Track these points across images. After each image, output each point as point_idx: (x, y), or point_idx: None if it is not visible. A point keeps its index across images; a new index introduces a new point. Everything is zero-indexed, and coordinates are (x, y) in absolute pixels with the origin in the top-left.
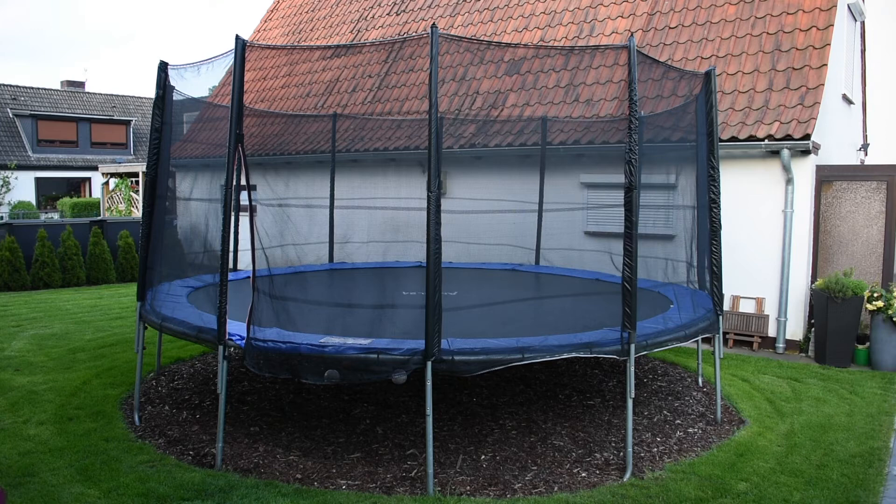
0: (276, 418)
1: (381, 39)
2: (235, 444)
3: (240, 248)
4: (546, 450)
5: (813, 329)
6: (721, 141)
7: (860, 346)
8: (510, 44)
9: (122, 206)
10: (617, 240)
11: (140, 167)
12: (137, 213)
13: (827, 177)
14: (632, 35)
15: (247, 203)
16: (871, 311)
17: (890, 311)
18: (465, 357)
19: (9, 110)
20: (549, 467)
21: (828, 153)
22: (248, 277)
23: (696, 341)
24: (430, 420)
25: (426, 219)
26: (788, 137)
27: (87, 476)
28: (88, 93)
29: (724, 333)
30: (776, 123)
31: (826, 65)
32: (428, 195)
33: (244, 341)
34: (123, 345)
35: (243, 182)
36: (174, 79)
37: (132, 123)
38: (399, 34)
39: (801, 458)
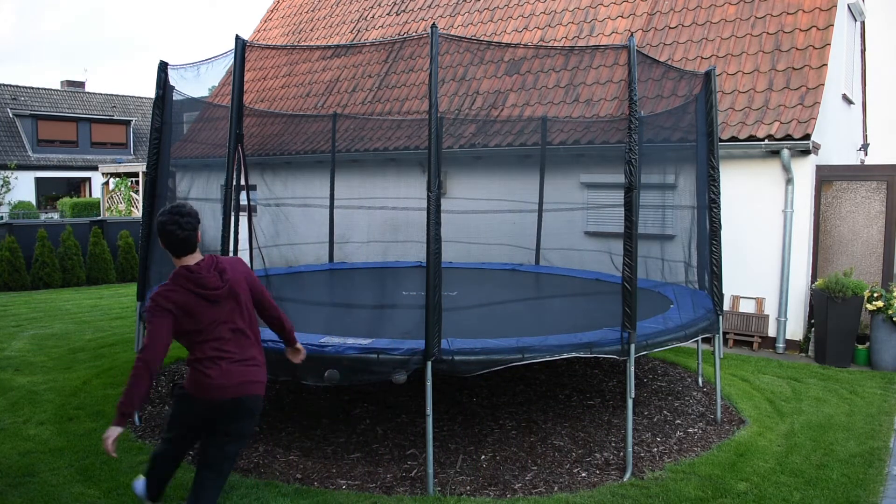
0: (276, 418)
1: (381, 39)
2: None
3: (240, 248)
4: (546, 450)
5: (813, 329)
6: (721, 141)
7: (860, 346)
8: (510, 44)
9: (122, 206)
10: (617, 240)
11: (140, 167)
12: (137, 213)
13: (827, 177)
14: (632, 35)
15: (246, 203)
16: (871, 311)
17: (890, 311)
18: (465, 357)
19: (9, 110)
20: (549, 467)
21: (828, 153)
22: None
23: (696, 341)
24: (430, 420)
25: (426, 219)
26: (788, 137)
27: (87, 476)
28: (88, 93)
29: (724, 333)
30: (776, 123)
31: (826, 65)
32: (428, 195)
33: None
34: (123, 345)
35: (243, 182)
36: (174, 79)
37: (132, 123)
38: (399, 34)
39: (801, 458)
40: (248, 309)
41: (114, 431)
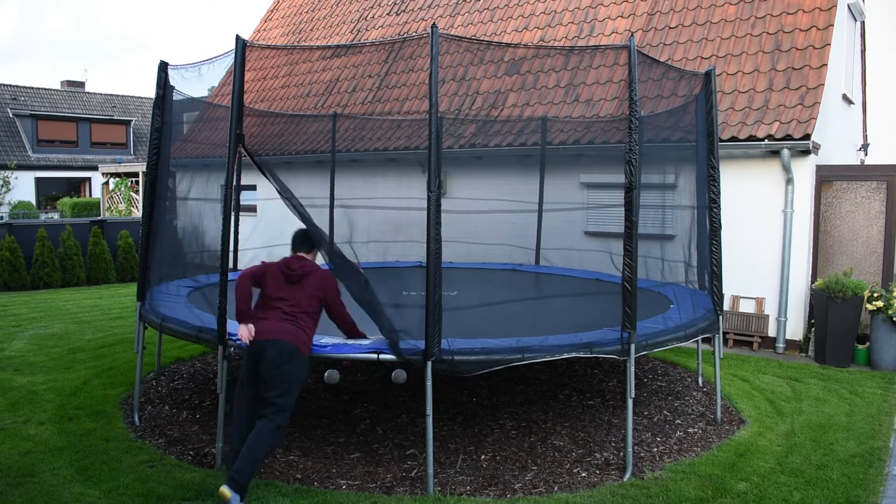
0: None
1: (381, 39)
2: None
3: (240, 248)
4: (546, 450)
5: (813, 329)
6: (721, 141)
7: (860, 346)
8: (510, 44)
9: (122, 206)
10: (617, 240)
11: (140, 167)
12: (137, 213)
13: (827, 177)
14: (632, 35)
15: (246, 203)
16: (871, 311)
17: (890, 311)
18: (465, 357)
19: (9, 110)
20: (549, 467)
21: (828, 153)
22: None
23: (696, 341)
24: (430, 420)
25: (426, 219)
26: (788, 137)
27: (87, 476)
28: (88, 93)
29: (724, 333)
30: (776, 123)
31: (826, 65)
32: (428, 195)
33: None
34: (123, 345)
35: (247, 182)
36: (174, 79)
37: (132, 123)
38: (399, 34)
39: (801, 458)
40: (307, 303)
41: (243, 328)
